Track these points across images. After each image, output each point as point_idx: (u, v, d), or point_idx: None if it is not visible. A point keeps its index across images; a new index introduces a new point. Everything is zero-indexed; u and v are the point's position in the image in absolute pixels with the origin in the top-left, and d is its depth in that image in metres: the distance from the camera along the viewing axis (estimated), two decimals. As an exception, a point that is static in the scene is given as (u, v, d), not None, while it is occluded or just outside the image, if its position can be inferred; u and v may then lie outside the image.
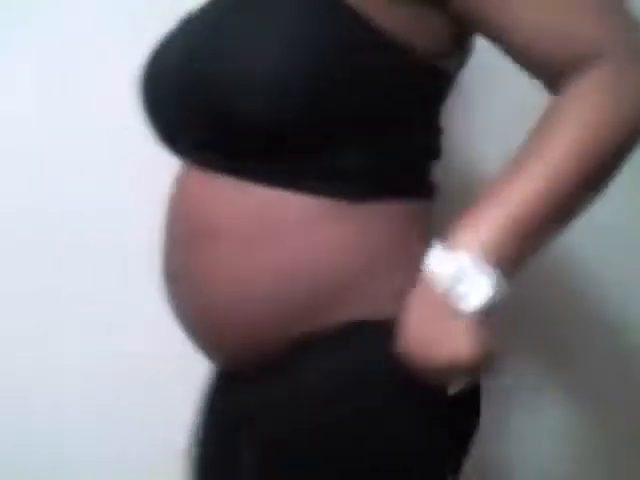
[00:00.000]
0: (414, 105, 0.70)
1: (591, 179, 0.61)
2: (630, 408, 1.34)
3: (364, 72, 0.64)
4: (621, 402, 1.34)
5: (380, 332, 0.65)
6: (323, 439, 0.66)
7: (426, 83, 0.70)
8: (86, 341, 1.22)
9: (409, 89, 0.68)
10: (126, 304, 1.21)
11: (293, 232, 0.66)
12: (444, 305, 0.59)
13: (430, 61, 0.68)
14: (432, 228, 0.74)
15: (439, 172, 0.79)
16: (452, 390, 0.62)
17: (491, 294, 0.58)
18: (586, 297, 1.31)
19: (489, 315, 0.60)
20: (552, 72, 0.63)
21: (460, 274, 0.58)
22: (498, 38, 0.65)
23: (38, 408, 1.23)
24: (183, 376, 1.24)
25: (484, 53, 0.74)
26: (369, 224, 0.68)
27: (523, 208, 0.59)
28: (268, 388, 0.71)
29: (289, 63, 0.61)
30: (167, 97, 0.71)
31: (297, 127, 0.63)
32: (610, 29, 0.61)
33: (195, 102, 0.67)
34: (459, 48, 0.72)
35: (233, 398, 0.79)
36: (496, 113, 1.20)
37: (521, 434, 1.34)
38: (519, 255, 0.60)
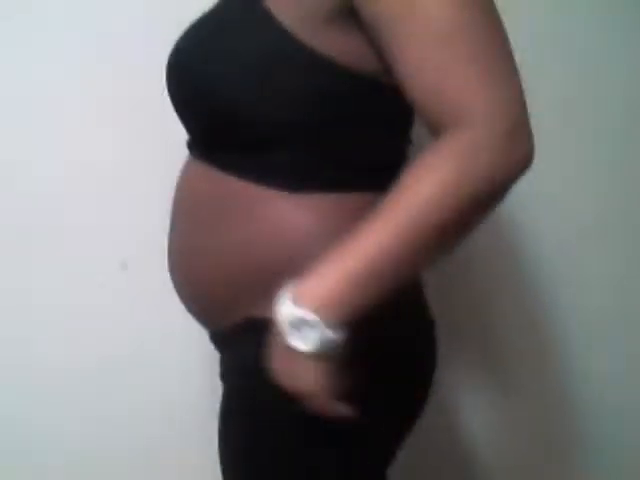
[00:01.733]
0: (355, 114, 0.75)
1: (432, 240, 0.65)
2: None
3: (298, 84, 0.72)
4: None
5: None
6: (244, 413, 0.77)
7: (366, 96, 0.75)
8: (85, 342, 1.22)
9: (345, 101, 0.74)
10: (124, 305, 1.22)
11: (237, 215, 0.76)
12: (287, 345, 0.66)
13: (370, 76, 0.73)
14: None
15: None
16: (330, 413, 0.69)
17: (320, 341, 0.65)
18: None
19: (331, 355, 0.66)
20: (427, 123, 0.68)
21: (295, 324, 0.65)
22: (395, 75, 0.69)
23: (39, 409, 1.23)
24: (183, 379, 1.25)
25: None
26: (308, 213, 0.75)
27: (364, 262, 0.65)
28: (228, 354, 0.84)
29: (233, 78, 0.73)
30: (170, 93, 0.84)
31: (238, 128, 0.74)
32: (484, 100, 0.63)
33: (176, 102, 0.83)
34: None
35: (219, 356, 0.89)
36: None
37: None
38: (362, 303, 0.66)
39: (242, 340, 0.78)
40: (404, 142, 0.83)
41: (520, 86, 0.65)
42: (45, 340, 1.21)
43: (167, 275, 0.94)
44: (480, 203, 0.64)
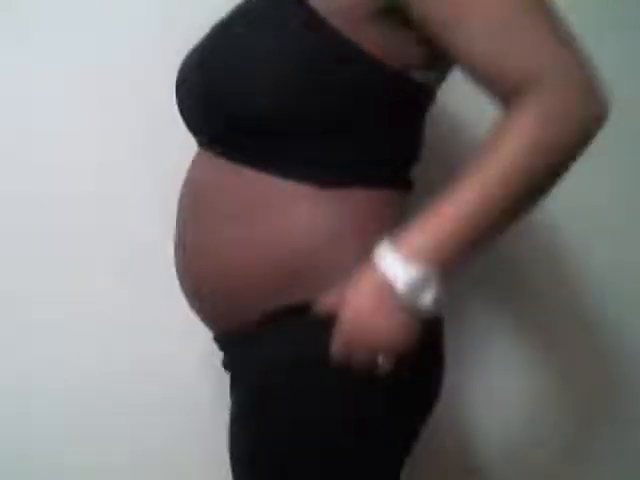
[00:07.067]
0: (386, 109, 0.78)
1: (523, 197, 0.69)
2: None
3: (338, 80, 0.74)
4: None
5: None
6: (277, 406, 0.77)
7: (398, 91, 0.77)
8: (88, 340, 1.22)
9: (379, 96, 0.76)
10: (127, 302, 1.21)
11: (270, 210, 0.77)
12: (394, 300, 0.68)
13: (402, 72, 0.76)
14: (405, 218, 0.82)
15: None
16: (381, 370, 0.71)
17: (437, 295, 0.68)
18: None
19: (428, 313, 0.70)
20: (497, 94, 0.71)
21: (413, 281, 0.67)
22: (453, 59, 0.73)
23: (39, 409, 1.23)
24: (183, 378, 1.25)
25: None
26: (336, 209, 0.77)
27: (464, 220, 0.68)
28: (243, 354, 0.82)
29: (272, 74, 0.73)
30: (187, 97, 0.85)
31: (275, 123, 0.75)
32: (547, 58, 0.68)
33: (202, 101, 0.81)
34: (439, 61, 0.78)
35: (226, 359, 0.89)
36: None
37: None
38: (461, 257, 0.70)
39: (270, 335, 0.78)
40: (422, 142, 0.85)
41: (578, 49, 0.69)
42: (45, 340, 1.20)
43: (168, 275, 0.94)
44: (563, 156, 0.68)
